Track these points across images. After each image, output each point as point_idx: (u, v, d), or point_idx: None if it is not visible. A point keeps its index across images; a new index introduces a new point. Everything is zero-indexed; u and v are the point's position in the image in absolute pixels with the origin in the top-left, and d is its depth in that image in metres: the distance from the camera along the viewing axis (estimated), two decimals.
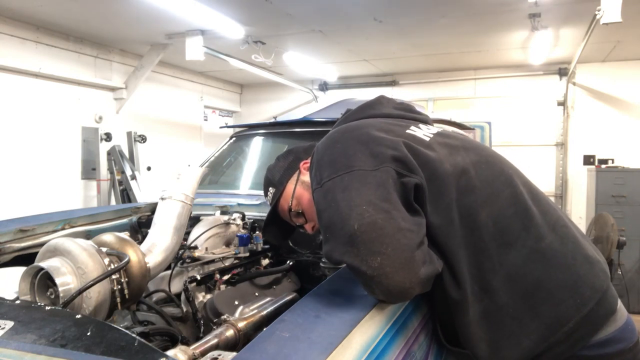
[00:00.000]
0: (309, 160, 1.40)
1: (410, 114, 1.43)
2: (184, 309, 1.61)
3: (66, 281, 1.23)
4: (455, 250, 1.12)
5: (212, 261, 1.82)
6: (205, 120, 8.10)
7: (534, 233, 1.15)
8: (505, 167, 1.27)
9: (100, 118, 6.00)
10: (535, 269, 1.12)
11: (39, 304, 1.19)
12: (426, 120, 1.44)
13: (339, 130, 1.30)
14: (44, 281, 1.26)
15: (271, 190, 1.53)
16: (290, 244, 2.01)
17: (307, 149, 1.52)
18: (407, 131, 1.28)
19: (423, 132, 1.30)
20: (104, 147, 5.77)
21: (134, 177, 5.72)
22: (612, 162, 6.31)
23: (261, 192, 2.45)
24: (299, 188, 1.46)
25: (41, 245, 1.38)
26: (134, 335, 0.87)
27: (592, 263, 1.17)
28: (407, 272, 0.99)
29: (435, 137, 1.29)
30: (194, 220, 1.95)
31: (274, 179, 1.53)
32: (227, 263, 1.86)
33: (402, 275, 0.99)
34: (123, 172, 5.71)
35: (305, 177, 1.44)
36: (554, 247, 1.14)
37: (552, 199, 5.88)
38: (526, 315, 1.10)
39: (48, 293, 1.25)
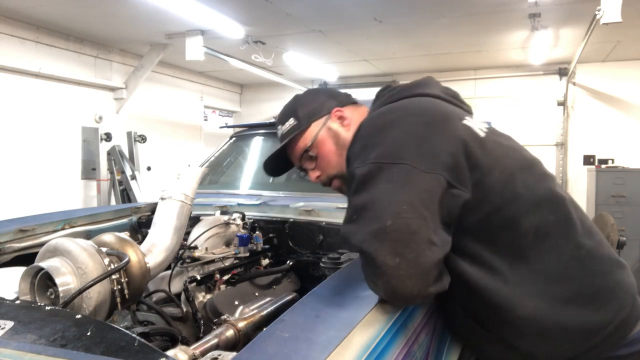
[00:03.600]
0: (343, 110, 1.34)
1: (457, 102, 1.34)
2: (184, 309, 1.60)
3: (66, 281, 1.22)
4: (494, 257, 1.11)
5: (212, 261, 1.82)
6: (205, 120, 8.11)
7: (573, 240, 1.14)
8: (544, 170, 1.26)
9: (100, 118, 6.00)
10: (575, 276, 1.12)
11: (39, 304, 1.19)
12: (470, 111, 1.35)
13: (393, 109, 1.21)
14: (44, 281, 1.26)
15: (291, 121, 1.37)
16: (290, 244, 2.01)
17: (343, 98, 1.42)
18: (464, 122, 1.19)
19: (478, 126, 1.21)
20: (104, 147, 5.77)
21: (134, 177, 5.73)
22: (612, 162, 6.32)
23: (261, 192, 2.48)
24: (324, 133, 1.34)
25: (41, 245, 1.38)
26: (134, 335, 0.87)
27: (623, 268, 1.18)
28: (418, 282, 0.98)
29: (490, 135, 1.21)
30: (194, 220, 1.95)
31: (300, 112, 1.37)
32: (227, 263, 1.86)
33: (413, 283, 0.98)
34: (123, 172, 5.71)
35: (334, 124, 1.35)
36: (592, 253, 1.14)
37: None
38: (567, 321, 1.10)
39: (48, 293, 1.25)
